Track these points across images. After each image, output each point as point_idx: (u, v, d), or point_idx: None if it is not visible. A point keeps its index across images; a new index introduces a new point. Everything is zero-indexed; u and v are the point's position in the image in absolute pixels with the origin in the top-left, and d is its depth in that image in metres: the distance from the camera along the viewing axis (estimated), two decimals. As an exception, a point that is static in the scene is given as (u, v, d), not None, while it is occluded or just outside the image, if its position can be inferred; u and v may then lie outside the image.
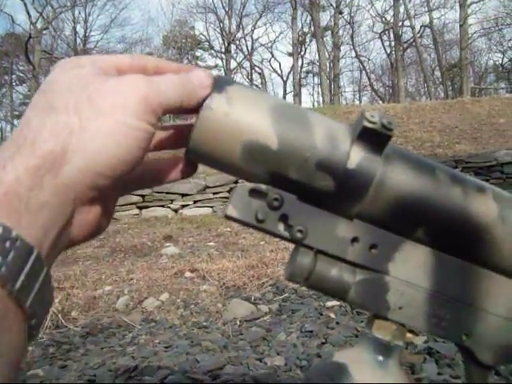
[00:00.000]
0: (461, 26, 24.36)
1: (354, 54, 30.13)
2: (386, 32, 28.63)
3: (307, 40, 29.11)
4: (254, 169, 0.57)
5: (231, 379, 1.47)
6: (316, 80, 31.08)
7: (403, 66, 26.88)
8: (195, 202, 8.27)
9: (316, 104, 29.66)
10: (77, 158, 0.43)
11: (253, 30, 30.25)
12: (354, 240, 0.60)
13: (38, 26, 24.86)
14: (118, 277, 3.44)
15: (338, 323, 2.10)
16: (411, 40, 27.65)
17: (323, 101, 24.41)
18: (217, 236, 5.24)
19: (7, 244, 0.38)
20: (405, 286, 0.61)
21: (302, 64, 30.09)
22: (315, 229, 0.59)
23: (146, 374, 1.60)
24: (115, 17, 28.78)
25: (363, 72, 31.61)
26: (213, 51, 30.59)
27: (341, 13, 27.04)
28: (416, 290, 0.61)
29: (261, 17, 29.68)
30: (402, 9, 26.49)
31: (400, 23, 26.92)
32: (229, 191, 8.04)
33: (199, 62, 30.76)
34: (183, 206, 8.22)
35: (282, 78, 30.72)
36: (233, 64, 30.30)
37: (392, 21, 26.92)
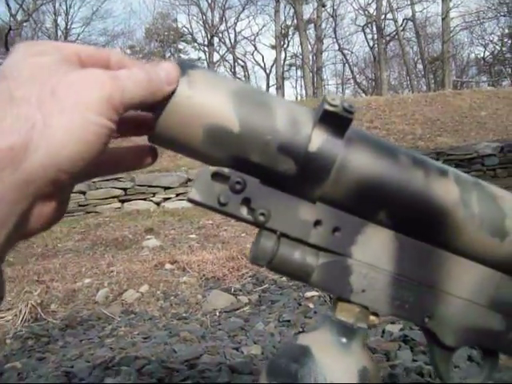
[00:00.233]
0: (443, 19, 24.46)
1: (336, 47, 30.20)
2: (369, 25, 28.70)
3: (290, 33, 29.12)
4: (216, 152, 0.57)
5: (207, 368, 1.48)
6: (299, 73, 31.07)
7: (386, 59, 26.96)
8: (177, 194, 8.25)
9: (299, 97, 29.68)
10: (38, 154, 0.42)
11: (236, 23, 30.15)
12: (317, 223, 0.60)
13: (18, 18, 24.58)
14: (98, 269, 3.43)
15: (315, 312, 2.11)
16: (394, 33, 27.74)
17: (306, 94, 24.41)
18: (198, 228, 5.24)
19: None
20: (368, 269, 0.61)
21: (285, 57, 30.09)
22: (278, 212, 0.59)
23: (123, 365, 1.60)
24: (97, 9, 28.39)
25: (346, 65, 31.67)
26: (196, 44, 30.45)
27: (324, 6, 27.02)
28: (379, 272, 0.62)
29: (244, 9, 29.58)
30: (384, 2, 26.59)
31: (383, 16, 26.98)
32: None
33: (182, 55, 30.61)
34: (165, 199, 8.20)
35: (265, 71, 30.69)
36: (216, 57, 30.20)
37: (375, 14, 26.98)
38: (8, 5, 23.92)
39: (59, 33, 27.63)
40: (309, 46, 26.46)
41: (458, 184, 0.62)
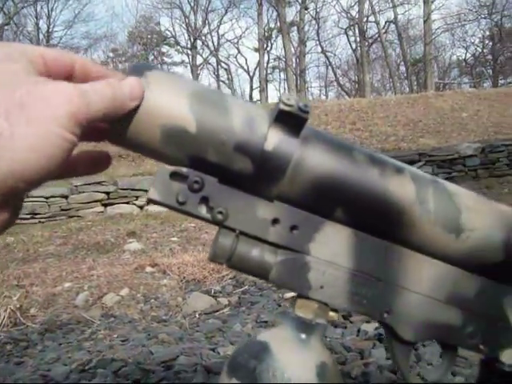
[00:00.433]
0: (425, 21, 24.65)
1: (320, 50, 30.29)
2: (352, 27, 28.79)
3: (273, 36, 29.13)
4: (174, 152, 0.58)
5: (183, 369, 1.48)
6: (282, 75, 31.12)
7: (368, 62, 27.09)
8: (161, 198, 8.21)
9: (283, 99, 29.65)
10: (1, 164, 0.43)
11: (219, 26, 30.12)
12: (275, 221, 0.61)
13: (-1, 21, 24.44)
14: (78, 273, 3.41)
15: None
16: (376, 36, 27.89)
17: (290, 96, 24.39)
18: (180, 231, 5.23)
19: None
20: (326, 266, 0.62)
21: (269, 60, 30.11)
22: (236, 210, 0.60)
23: (100, 367, 1.60)
24: (79, 12, 28.23)
25: (329, 67, 31.75)
26: (179, 47, 30.30)
27: (306, 8, 27.09)
28: (337, 269, 0.63)
29: (226, 12, 29.61)
30: (366, 5, 26.71)
31: (365, 19, 27.11)
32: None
33: (165, 58, 30.60)
34: (149, 203, 8.16)
35: (249, 74, 30.69)
36: (199, 60, 30.17)
37: (357, 16, 27.09)
38: (-11, 8, 23.77)
39: (41, 36, 27.46)
40: (292, 49, 26.54)
41: (415, 181, 0.63)
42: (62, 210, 7.84)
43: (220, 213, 0.59)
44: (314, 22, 29.01)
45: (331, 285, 0.63)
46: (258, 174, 0.58)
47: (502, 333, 0.70)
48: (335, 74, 31.34)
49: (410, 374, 0.69)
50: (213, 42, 30.18)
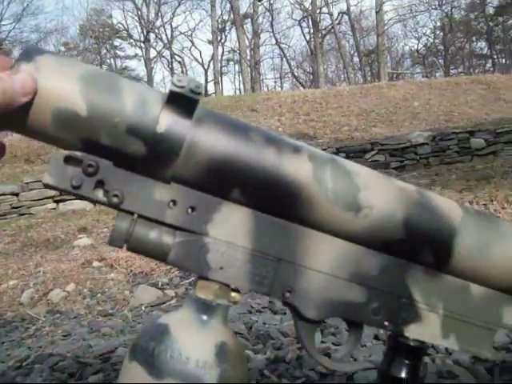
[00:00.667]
0: (377, 12, 24.87)
1: (274, 42, 30.32)
2: (305, 19, 28.92)
3: (227, 28, 29.04)
4: (66, 136, 0.58)
5: (121, 361, 1.47)
6: (237, 68, 31.06)
7: (322, 53, 27.24)
8: (114, 193, 8.12)
9: (237, 92, 29.68)
10: None
11: (172, 18, 29.78)
12: (172, 203, 0.61)
13: None
14: (25, 271, 3.35)
15: (235, 302, 2.13)
16: (330, 27, 28.02)
17: (244, 88, 24.43)
18: (132, 225, 5.18)
19: None
20: (225, 247, 0.63)
21: (223, 52, 30.03)
22: (132, 193, 0.60)
23: (37, 363, 1.58)
24: (27, 5, 27.45)
25: (284, 59, 31.82)
26: (132, 40, 29.87)
27: (260, 0, 27.07)
28: (236, 250, 0.63)
29: (180, 4, 29.27)
30: (319, -4, 26.81)
31: (318, 10, 27.22)
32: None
33: (118, 52, 30.19)
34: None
35: (203, 67, 30.47)
36: (152, 53, 29.83)
37: (310, 8, 27.18)
38: None
39: (-12, 30, 26.73)
40: (246, 41, 26.46)
41: (312, 160, 0.64)
42: (13, 207, 7.68)
43: (115, 196, 0.59)
44: (267, 13, 29.05)
45: (231, 265, 0.63)
46: (151, 156, 0.58)
47: (405, 309, 0.71)
48: (290, 66, 31.42)
49: (315, 353, 0.70)
50: (166, 34, 29.87)
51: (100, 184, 0.59)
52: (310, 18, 27.68)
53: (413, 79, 18.35)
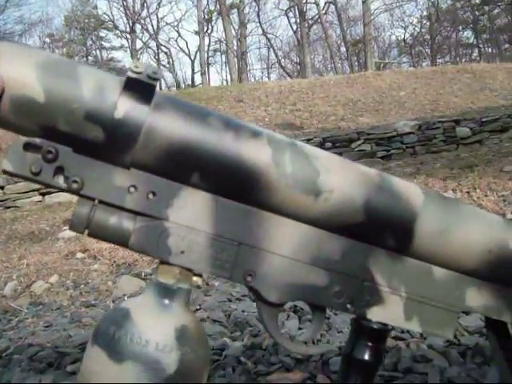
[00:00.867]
0: (363, 2, 24.81)
1: (260, 32, 30.22)
2: (292, 9, 28.82)
3: (213, 18, 28.87)
4: (24, 123, 0.58)
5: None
6: (224, 58, 30.92)
7: (309, 43, 27.20)
8: (100, 184, 8.09)
9: (224, 82, 29.55)
10: None
11: (158, 9, 29.69)
12: (132, 188, 0.62)
13: None
14: (8, 263, 3.34)
15: (217, 290, 2.14)
16: (316, 17, 27.96)
17: (231, 79, 24.35)
18: (117, 217, 5.17)
19: None
20: (186, 231, 0.63)
21: (210, 42, 29.88)
22: (91, 179, 0.60)
23: (16, 353, 1.58)
24: (11, -5, 27.22)
25: (271, 49, 31.72)
26: (117, 31, 29.61)
27: (247, -10, 26.96)
28: (197, 234, 0.64)
29: (165, -6, 29.13)
30: (306, -14, 26.73)
31: (305, 0, 27.16)
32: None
33: (104, 43, 29.96)
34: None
35: (190, 57, 30.29)
36: (139, 44, 29.62)
37: (297, -2, 27.11)
38: None
39: (-29, 22, 26.41)
40: (232, 31, 26.32)
41: (271, 145, 0.65)
42: (-1, 201, 7.65)
43: (75, 182, 0.60)
44: (254, 3, 28.92)
45: (192, 250, 0.64)
46: (110, 142, 0.59)
47: (368, 292, 0.72)
48: (277, 56, 31.33)
49: (278, 336, 0.71)
50: (152, 25, 29.63)
51: (60, 170, 0.60)
52: (296, 7, 27.59)
53: (400, 69, 18.38)
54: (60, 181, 0.60)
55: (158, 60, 30.20)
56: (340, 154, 7.22)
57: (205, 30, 27.57)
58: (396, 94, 12.60)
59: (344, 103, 12.07)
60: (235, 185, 0.64)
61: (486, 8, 29.42)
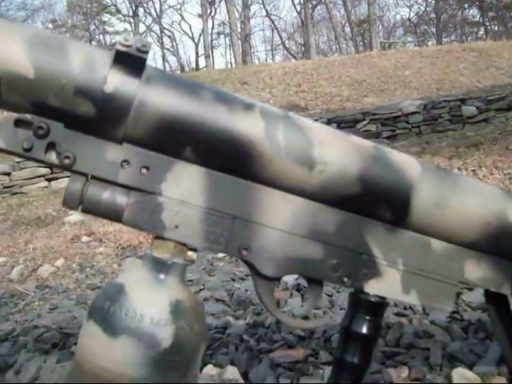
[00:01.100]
0: (368, -19, 24.60)
1: (264, 13, 29.97)
2: (295, -11, 28.56)
3: (217, 0, 28.63)
4: (15, 99, 0.58)
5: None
6: (228, 41, 30.70)
7: (313, 24, 26.98)
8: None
9: (229, 65, 29.39)
10: None
11: (160, -9, 29.38)
12: (125, 163, 0.61)
13: None
14: (15, 248, 3.36)
15: (221, 270, 2.15)
16: (320, -3, 27.70)
17: (236, 61, 24.23)
18: (122, 200, 5.19)
19: None
20: (179, 206, 0.63)
21: (213, 25, 29.64)
22: (84, 154, 0.60)
23: (22, 335, 1.59)
24: (13, -18, 27.05)
25: (275, 31, 31.47)
26: (120, 15, 29.40)
27: (249, -28, 26.71)
28: (191, 208, 0.64)
29: (168, -22, 28.90)
30: (310, -35, 26.46)
31: (308, -20, 26.89)
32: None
33: (107, 27, 29.79)
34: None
35: (194, 41, 30.08)
36: (142, 28, 29.42)
37: (300, -22, 26.86)
38: None
39: (-28, 8, 26.27)
40: (236, 13, 26.11)
41: (264, 117, 0.64)
42: (5, 187, 7.65)
43: (67, 157, 0.60)
44: (257, -16, 28.65)
45: (186, 224, 0.63)
46: (101, 116, 0.59)
47: (365, 265, 0.72)
48: (281, 38, 31.12)
49: (274, 310, 0.71)
50: (155, 8, 29.37)
51: (51, 146, 0.60)
52: (300, -12, 27.36)
53: (405, 48, 18.22)
54: (52, 157, 0.60)
55: (162, 44, 30.02)
56: (345, 134, 7.17)
57: (208, 12, 27.36)
58: (401, 74, 12.50)
59: (349, 84, 11.99)
60: (228, 158, 0.63)
61: (492, -15, 29.10)
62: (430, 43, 29.09)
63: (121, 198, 0.62)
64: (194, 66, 29.24)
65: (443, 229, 0.73)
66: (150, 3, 29.11)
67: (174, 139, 0.61)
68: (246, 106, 0.64)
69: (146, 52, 0.58)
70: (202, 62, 28.37)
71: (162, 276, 0.62)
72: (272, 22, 30.32)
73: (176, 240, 0.63)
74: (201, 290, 1.87)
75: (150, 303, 0.60)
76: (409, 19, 32.93)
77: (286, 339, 1.27)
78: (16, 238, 3.82)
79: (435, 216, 0.72)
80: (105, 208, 0.62)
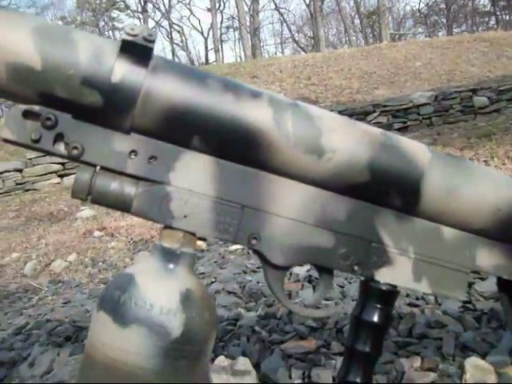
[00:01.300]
0: (377, -28, 24.46)
1: (273, 7, 29.91)
2: (304, -18, 28.42)
3: (225, -6, 28.58)
4: (22, 90, 0.58)
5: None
6: (237, 35, 30.63)
7: (322, 16, 26.85)
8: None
9: (238, 59, 29.33)
10: None
11: (169, -13, 29.38)
12: (133, 153, 0.61)
13: None
14: (28, 243, 3.39)
15: (232, 263, 2.15)
16: (329, -11, 27.61)
17: (245, 55, 24.18)
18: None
19: None
20: (188, 195, 0.63)
21: (222, 19, 29.61)
22: (92, 145, 0.60)
23: (35, 328, 1.61)
24: (23, -21, 27.13)
25: (284, 24, 31.39)
26: (129, 11, 29.40)
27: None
28: (200, 198, 0.63)
29: (176, -28, 28.84)
30: (318, -42, 26.31)
31: (317, -28, 26.75)
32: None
33: (116, 23, 29.78)
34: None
35: (203, 35, 30.06)
36: (151, 23, 29.41)
37: (309, -30, 26.74)
38: None
39: (-15, 7, 26.29)
40: (245, 7, 26.03)
41: (272, 105, 0.64)
42: (18, 184, 7.70)
43: (75, 148, 0.60)
44: (266, -22, 28.56)
45: (195, 213, 0.63)
46: (108, 106, 0.59)
47: (375, 253, 0.71)
48: (290, 31, 31.05)
49: (284, 299, 0.71)
50: (164, 4, 29.47)
51: (60, 137, 0.60)
52: (308, -20, 27.24)
53: (415, 39, 18.12)
54: (60, 148, 0.60)
55: (171, 39, 30.04)
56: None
57: (217, 6, 27.28)
58: (411, 65, 12.43)
59: (359, 76, 11.94)
60: (236, 147, 0.63)
61: (503, -26, 28.84)
62: (440, 34, 28.93)
63: (129, 188, 0.62)
64: (204, 60, 29.24)
65: (454, 216, 0.73)
66: (159, -2, 29.11)
67: (182, 128, 0.61)
68: (253, 94, 0.64)
69: (153, 41, 0.57)
70: (212, 57, 28.40)
71: (171, 266, 0.62)
72: (281, 15, 30.26)
73: (185, 230, 0.63)
74: (212, 282, 1.87)
75: (160, 293, 0.60)
76: (419, 10, 32.74)
77: (297, 330, 1.27)
78: (29, 233, 3.85)
79: (446, 203, 0.71)
80: (113, 198, 0.62)
